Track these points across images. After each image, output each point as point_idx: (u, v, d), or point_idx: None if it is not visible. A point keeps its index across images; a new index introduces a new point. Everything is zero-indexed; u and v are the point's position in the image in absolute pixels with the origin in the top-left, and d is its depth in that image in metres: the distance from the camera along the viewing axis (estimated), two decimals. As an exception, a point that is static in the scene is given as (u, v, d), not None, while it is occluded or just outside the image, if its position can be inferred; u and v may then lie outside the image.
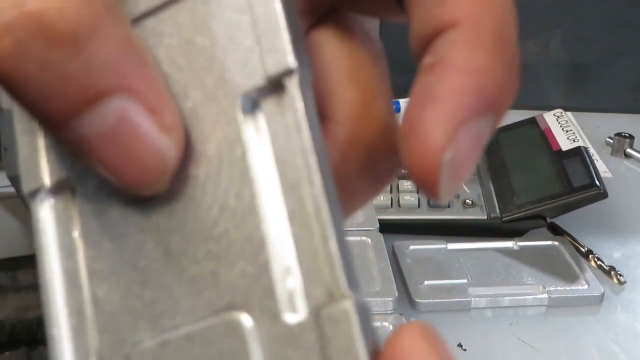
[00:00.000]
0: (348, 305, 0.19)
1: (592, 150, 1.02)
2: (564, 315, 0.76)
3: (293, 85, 0.20)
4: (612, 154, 1.06)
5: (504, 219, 0.85)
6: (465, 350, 0.72)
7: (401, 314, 0.72)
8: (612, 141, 1.07)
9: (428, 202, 0.88)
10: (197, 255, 0.21)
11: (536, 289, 0.78)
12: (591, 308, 0.77)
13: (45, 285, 0.22)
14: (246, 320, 0.20)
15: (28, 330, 1.03)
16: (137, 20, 0.22)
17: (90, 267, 0.22)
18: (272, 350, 0.20)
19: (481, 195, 0.88)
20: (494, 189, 0.89)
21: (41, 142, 0.23)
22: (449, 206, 0.87)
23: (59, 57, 0.19)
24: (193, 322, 0.21)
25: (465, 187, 0.89)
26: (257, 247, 0.20)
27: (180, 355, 0.21)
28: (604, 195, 0.83)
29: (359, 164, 0.24)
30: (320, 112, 0.22)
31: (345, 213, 0.24)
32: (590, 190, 0.83)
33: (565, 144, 0.89)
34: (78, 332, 0.22)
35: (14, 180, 0.91)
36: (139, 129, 0.20)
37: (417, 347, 0.19)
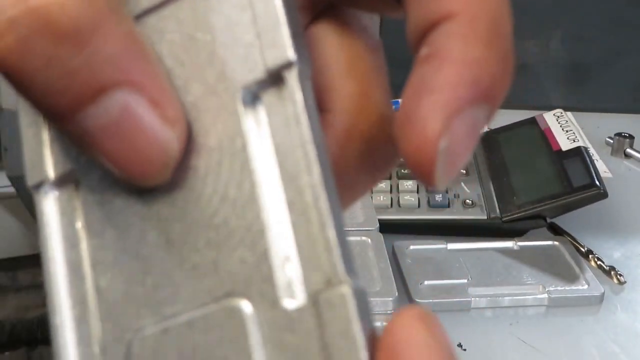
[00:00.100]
0: (345, 290, 0.20)
1: (592, 150, 1.02)
2: (564, 315, 0.77)
3: (292, 78, 0.21)
4: (612, 154, 1.06)
5: (504, 219, 0.85)
6: (465, 350, 0.72)
7: (401, 314, 0.72)
8: (612, 141, 1.07)
9: (428, 202, 0.88)
10: (198, 243, 0.21)
11: (536, 289, 0.78)
12: (591, 308, 0.77)
13: (49, 276, 0.22)
14: (246, 306, 0.20)
15: (28, 330, 1.03)
16: (140, 17, 0.22)
17: (93, 257, 0.22)
18: (272, 335, 0.20)
19: (481, 195, 0.88)
20: (494, 189, 0.89)
21: (45, 136, 0.23)
22: (449, 206, 0.87)
23: (62, 52, 0.20)
24: (194, 309, 0.21)
25: (465, 187, 0.89)
26: (256, 235, 0.21)
27: (181, 341, 0.21)
28: (604, 195, 0.83)
29: (357, 155, 0.25)
30: (320, 105, 0.23)
31: (345, 203, 0.25)
32: (590, 190, 0.83)
33: (565, 144, 0.89)
34: (81, 320, 0.22)
35: (14, 180, 0.91)
36: (141, 121, 0.21)
37: (414, 331, 0.20)
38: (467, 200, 0.88)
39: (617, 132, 1.07)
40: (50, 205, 0.23)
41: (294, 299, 0.20)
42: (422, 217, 0.87)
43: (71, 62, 0.20)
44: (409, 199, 0.88)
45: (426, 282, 0.78)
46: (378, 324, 0.20)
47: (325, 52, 0.25)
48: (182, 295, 0.21)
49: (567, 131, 0.92)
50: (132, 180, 0.22)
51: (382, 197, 0.88)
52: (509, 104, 1.18)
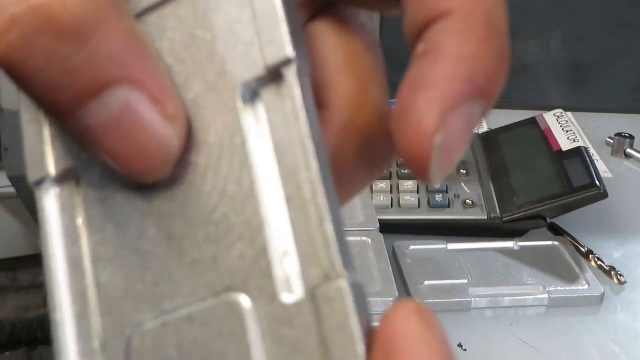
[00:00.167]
0: (342, 284, 0.20)
1: (592, 150, 1.02)
2: (564, 315, 0.76)
3: (291, 75, 0.21)
4: (612, 154, 1.06)
5: (504, 219, 0.85)
6: (465, 350, 0.72)
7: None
8: (612, 141, 1.07)
9: (428, 202, 0.88)
10: (197, 239, 0.22)
11: (536, 289, 0.78)
12: (591, 308, 0.77)
13: (50, 272, 0.23)
14: (244, 301, 0.21)
15: (28, 330, 1.03)
16: (140, 15, 0.22)
17: (93, 253, 0.23)
18: (270, 329, 0.20)
19: (481, 195, 0.88)
20: (494, 189, 0.89)
21: (46, 133, 0.23)
22: (449, 206, 0.87)
23: (64, 49, 0.20)
24: (193, 304, 0.21)
25: (465, 187, 0.89)
26: (255, 230, 0.21)
27: (181, 335, 0.21)
28: (604, 195, 0.83)
29: (355, 151, 0.25)
30: (318, 101, 0.23)
31: (343, 199, 0.25)
32: (590, 190, 0.83)
33: (565, 144, 0.89)
34: (81, 316, 0.22)
35: (14, 180, 0.91)
36: (142, 118, 0.21)
37: (411, 324, 0.20)
38: (467, 200, 0.88)
39: (617, 132, 1.07)
40: (51, 202, 0.23)
41: (292, 294, 0.20)
42: (422, 217, 0.87)
43: (72, 58, 0.20)
44: (409, 199, 0.88)
45: (426, 282, 0.78)
46: (377, 324, 0.20)
47: (324, 49, 0.25)
48: (182, 290, 0.21)
49: (567, 131, 0.92)
50: (133, 176, 0.22)
51: (382, 197, 0.88)
52: (509, 104, 1.18)
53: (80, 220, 0.23)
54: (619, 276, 0.81)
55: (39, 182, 0.23)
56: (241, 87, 0.22)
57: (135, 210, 0.22)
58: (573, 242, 0.85)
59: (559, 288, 0.78)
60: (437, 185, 0.89)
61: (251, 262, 0.21)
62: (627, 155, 1.06)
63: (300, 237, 0.21)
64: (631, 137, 1.06)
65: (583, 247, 0.84)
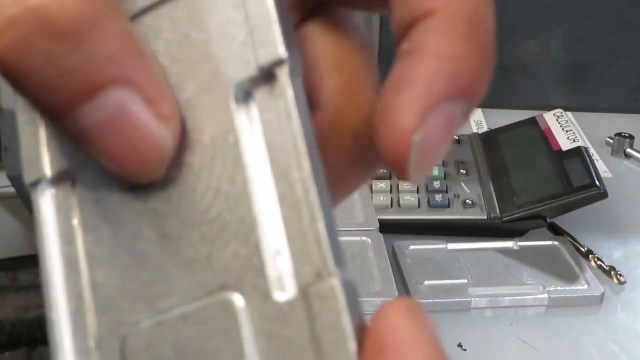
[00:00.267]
0: (334, 282, 0.20)
1: (592, 150, 1.02)
2: (564, 315, 0.77)
3: (283, 75, 0.22)
4: (612, 154, 1.06)
5: (504, 219, 0.85)
6: (465, 350, 0.72)
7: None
8: (612, 141, 1.07)
9: (428, 202, 0.88)
10: (192, 238, 0.22)
11: (536, 289, 0.78)
12: (591, 308, 0.77)
13: (46, 272, 0.23)
14: (238, 300, 0.21)
15: (28, 330, 1.03)
16: (136, 16, 0.23)
17: (89, 253, 0.23)
18: (263, 327, 0.21)
19: (481, 195, 0.88)
20: (494, 189, 0.89)
21: (42, 134, 0.23)
22: (449, 206, 0.87)
23: (61, 50, 0.20)
24: (187, 303, 0.21)
25: (465, 187, 0.89)
26: (248, 229, 0.21)
27: (175, 334, 0.21)
28: (604, 195, 0.83)
29: (347, 151, 0.25)
30: (310, 101, 0.23)
31: (337, 199, 0.25)
32: (590, 190, 0.83)
33: (565, 144, 0.90)
34: (77, 315, 0.22)
35: (14, 180, 0.91)
36: (137, 119, 0.21)
37: (401, 321, 0.20)
38: (467, 200, 0.88)
39: (617, 132, 1.07)
40: (47, 203, 0.23)
41: (285, 292, 0.21)
42: (422, 217, 0.87)
43: (69, 59, 0.20)
44: (409, 199, 0.88)
45: (426, 282, 0.78)
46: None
47: (316, 50, 0.25)
48: (177, 290, 0.22)
49: (567, 131, 0.92)
50: (128, 176, 0.22)
51: (382, 197, 0.88)
52: (509, 104, 1.18)
53: (76, 221, 0.23)
54: (619, 276, 0.81)
55: (35, 183, 0.23)
56: (234, 87, 0.22)
57: (131, 210, 0.22)
58: (573, 242, 0.85)
59: (559, 288, 0.78)
60: (437, 185, 0.89)
61: (245, 261, 0.21)
62: (627, 155, 1.06)
63: (293, 236, 0.21)
64: (631, 137, 1.06)
65: (583, 247, 0.84)
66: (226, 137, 0.22)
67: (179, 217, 0.22)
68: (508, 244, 0.84)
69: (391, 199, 0.88)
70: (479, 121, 1.12)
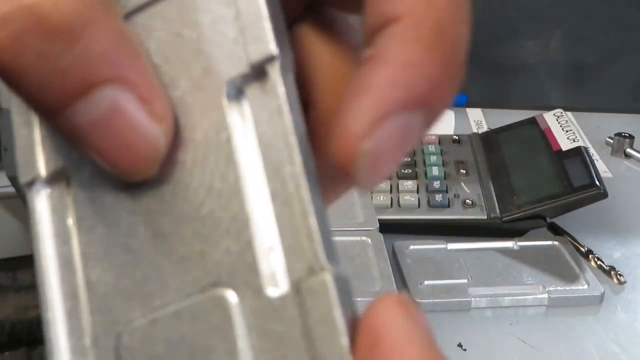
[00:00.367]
0: (326, 277, 0.20)
1: (592, 150, 1.02)
2: (564, 315, 0.77)
3: (275, 71, 0.22)
4: (612, 154, 1.06)
5: (504, 219, 0.85)
6: (465, 350, 0.72)
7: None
8: (612, 141, 1.07)
9: (428, 202, 0.88)
10: (185, 235, 0.22)
11: (536, 289, 0.78)
12: (591, 308, 0.77)
13: (41, 272, 0.23)
14: (231, 296, 0.21)
15: (28, 330, 1.03)
16: (128, 15, 0.23)
17: (84, 252, 0.23)
18: (256, 323, 0.21)
19: (481, 195, 0.88)
20: (494, 189, 0.89)
21: (37, 134, 0.23)
22: (449, 206, 0.87)
23: (54, 49, 0.20)
24: (181, 300, 0.22)
25: (465, 187, 0.89)
26: (241, 225, 0.21)
27: (169, 331, 0.21)
28: (604, 195, 0.83)
29: None
30: (303, 100, 0.23)
31: (331, 196, 0.25)
32: (590, 190, 0.83)
33: (565, 144, 0.90)
34: (72, 314, 0.23)
35: (14, 180, 0.91)
36: (130, 117, 0.21)
37: (395, 316, 0.20)
38: (467, 200, 0.88)
39: (617, 132, 1.07)
40: (42, 203, 0.23)
41: (277, 288, 0.21)
42: (422, 217, 0.87)
43: (62, 58, 0.20)
44: (409, 199, 0.88)
45: (426, 282, 0.78)
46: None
47: (309, 50, 0.25)
48: (170, 287, 0.22)
49: (567, 131, 0.92)
50: (121, 174, 0.22)
51: (382, 197, 0.88)
52: (509, 104, 1.18)
53: (71, 221, 0.23)
54: (619, 276, 0.81)
55: (30, 183, 0.23)
56: (226, 85, 0.22)
57: (125, 209, 0.23)
58: (573, 242, 0.85)
59: (559, 288, 0.78)
60: (437, 185, 0.89)
61: (237, 258, 0.21)
62: (627, 155, 1.06)
63: (285, 232, 0.21)
64: (631, 137, 1.06)
65: (583, 247, 0.84)
66: (218, 134, 0.22)
67: (172, 214, 0.22)
68: (508, 244, 0.84)
69: (391, 199, 0.88)
70: (479, 121, 1.12)
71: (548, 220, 0.86)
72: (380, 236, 0.81)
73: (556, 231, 0.86)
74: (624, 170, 1.03)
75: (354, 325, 0.20)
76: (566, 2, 1.16)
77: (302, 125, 0.22)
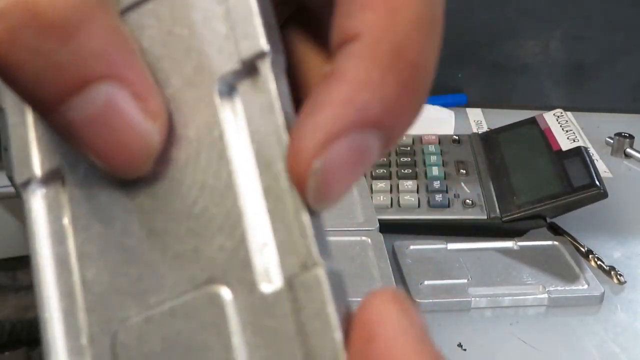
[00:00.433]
0: (319, 272, 0.20)
1: (592, 150, 1.02)
2: (564, 315, 0.76)
3: (266, 67, 0.22)
4: (612, 154, 1.06)
5: (504, 219, 0.85)
6: (465, 350, 0.72)
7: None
8: (612, 141, 1.07)
9: (428, 202, 0.88)
10: (179, 232, 0.22)
11: (536, 289, 0.78)
12: (591, 308, 0.77)
13: (37, 272, 0.23)
14: (225, 293, 0.21)
15: (28, 330, 1.03)
16: (122, 13, 0.23)
17: (79, 251, 0.23)
18: (250, 320, 0.21)
19: (481, 195, 0.88)
20: (494, 189, 0.89)
21: (32, 135, 0.24)
22: (449, 206, 0.87)
23: (49, 45, 0.20)
24: (176, 297, 0.22)
25: (465, 187, 0.89)
26: (234, 222, 0.21)
27: (164, 329, 0.22)
28: (604, 195, 0.82)
29: None
30: (296, 101, 0.23)
31: None
32: (590, 190, 0.83)
33: (565, 144, 0.89)
34: (69, 314, 0.23)
35: (14, 180, 0.90)
36: (125, 114, 0.21)
37: (389, 311, 0.20)
38: (467, 200, 0.88)
39: (617, 132, 1.07)
40: (37, 203, 0.23)
41: (271, 284, 0.21)
42: (422, 217, 0.87)
43: (57, 54, 0.20)
44: (409, 199, 0.88)
45: (426, 282, 0.78)
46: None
47: (300, 51, 0.25)
48: (165, 284, 0.22)
49: (567, 131, 0.92)
50: (115, 172, 0.22)
51: (382, 197, 0.88)
52: (509, 104, 1.18)
53: (66, 220, 0.23)
54: (619, 276, 0.81)
55: (26, 183, 0.24)
56: (218, 81, 0.22)
57: (119, 207, 0.23)
58: (573, 242, 0.85)
59: (559, 288, 0.78)
60: (437, 185, 0.89)
61: (231, 254, 0.21)
62: (627, 155, 1.06)
63: (278, 227, 0.21)
64: (631, 137, 1.06)
65: (583, 247, 0.84)
66: (211, 131, 0.22)
67: (166, 212, 0.22)
68: (508, 244, 0.84)
69: (391, 199, 0.88)
70: (479, 121, 1.12)
71: (548, 220, 0.86)
72: (380, 236, 0.81)
73: (556, 231, 0.86)
74: (624, 170, 1.03)
75: (349, 320, 0.20)
76: (566, 2, 1.16)
77: (295, 121, 0.22)
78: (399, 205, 0.88)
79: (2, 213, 1.06)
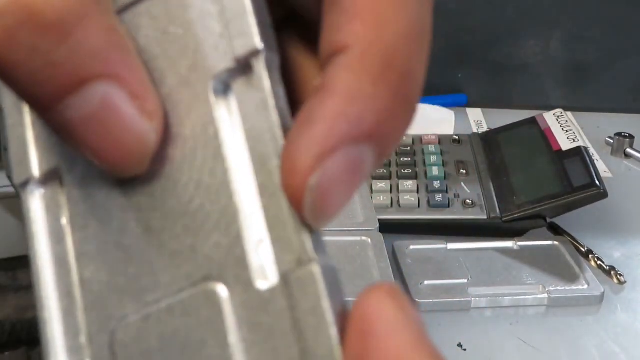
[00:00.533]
0: (314, 268, 0.21)
1: (592, 150, 1.02)
2: (564, 315, 0.76)
3: (260, 65, 0.22)
4: (612, 154, 1.06)
5: (504, 219, 0.85)
6: (465, 350, 0.72)
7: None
8: (612, 141, 1.07)
9: (428, 202, 0.88)
10: (175, 230, 0.22)
11: (536, 289, 0.78)
12: (591, 308, 0.77)
13: (36, 271, 0.23)
14: (222, 290, 0.21)
15: (28, 330, 1.03)
16: (118, 13, 0.23)
17: (78, 251, 0.23)
18: (246, 316, 0.21)
19: (481, 195, 0.88)
20: (494, 189, 0.89)
21: (30, 136, 0.24)
22: (449, 206, 0.87)
23: (46, 44, 0.20)
24: (173, 295, 0.22)
25: (465, 187, 0.89)
26: (230, 219, 0.22)
27: (162, 326, 0.22)
28: (604, 195, 0.82)
29: None
30: (291, 99, 0.23)
31: None
32: (590, 190, 0.83)
33: (565, 144, 0.89)
34: (68, 313, 0.23)
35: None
36: (121, 113, 0.21)
37: (385, 306, 0.20)
38: (467, 200, 0.88)
39: (617, 132, 1.07)
40: (36, 203, 0.24)
41: (266, 280, 0.21)
42: (422, 217, 0.87)
43: (54, 53, 0.20)
44: (409, 199, 0.88)
45: (426, 282, 0.78)
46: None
47: (295, 54, 0.25)
48: (162, 282, 0.22)
49: (567, 131, 0.92)
50: (112, 171, 0.22)
51: (382, 197, 0.88)
52: (509, 104, 1.18)
53: (64, 220, 0.23)
54: (619, 276, 0.81)
55: (24, 183, 0.24)
56: (213, 80, 0.22)
57: (116, 206, 0.23)
58: (573, 242, 0.85)
59: (559, 288, 0.78)
60: (437, 185, 0.89)
61: (227, 251, 0.22)
62: (627, 155, 1.06)
63: (273, 224, 0.21)
64: (631, 137, 1.06)
65: (583, 247, 0.84)
66: (206, 129, 0.22)
67: (162, 210, 0.22)
68: (508, 244, 0.84)
69: (391, 199, 0.88)
70: (479, 121, 1.12)
71: (548, 220, 0.86)
72: (380, 236, 0.81)
73: (556, 231, 0.86)
74: (624, 170, 1.03)
75: (344, 316, 0.20)
76: (566, 2, 1.16)
77: (289, 118, 0.22)
78: (399, 205, 0.88)
79: (2, 213, 1.06)
